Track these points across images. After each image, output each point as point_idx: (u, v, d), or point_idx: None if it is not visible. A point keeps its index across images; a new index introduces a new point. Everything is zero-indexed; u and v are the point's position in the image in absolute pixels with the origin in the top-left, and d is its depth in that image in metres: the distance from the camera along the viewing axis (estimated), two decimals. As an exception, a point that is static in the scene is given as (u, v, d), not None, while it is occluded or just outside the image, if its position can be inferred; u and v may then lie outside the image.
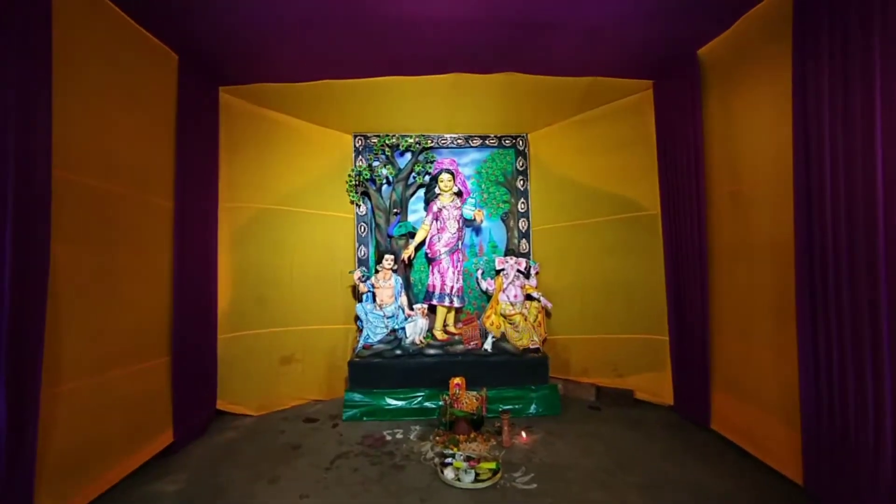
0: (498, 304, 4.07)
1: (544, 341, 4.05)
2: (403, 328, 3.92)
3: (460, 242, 4.16)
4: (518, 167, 4.51)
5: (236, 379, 3.60)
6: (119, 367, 2.53)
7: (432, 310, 4.13)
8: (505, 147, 4.52)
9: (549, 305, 4.07)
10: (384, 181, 4.36)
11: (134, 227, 2.65)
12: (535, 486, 2.47)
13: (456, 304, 4.08)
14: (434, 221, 4.14)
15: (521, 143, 4.51)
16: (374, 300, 4.02)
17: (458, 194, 4.25)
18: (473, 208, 4.12)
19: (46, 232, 2.00)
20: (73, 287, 2.20)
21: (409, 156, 4.42)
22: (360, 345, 3.88)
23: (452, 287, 4.06)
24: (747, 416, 2.79)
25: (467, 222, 4.26)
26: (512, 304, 4.00)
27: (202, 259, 3.32)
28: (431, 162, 4.39)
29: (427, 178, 4.37)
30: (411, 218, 4.44)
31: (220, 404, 3.53)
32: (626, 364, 3.87)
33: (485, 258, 4.49)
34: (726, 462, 2.70)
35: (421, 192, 4.43)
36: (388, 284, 4.00)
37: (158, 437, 2.85)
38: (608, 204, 3.97)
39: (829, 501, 2.17)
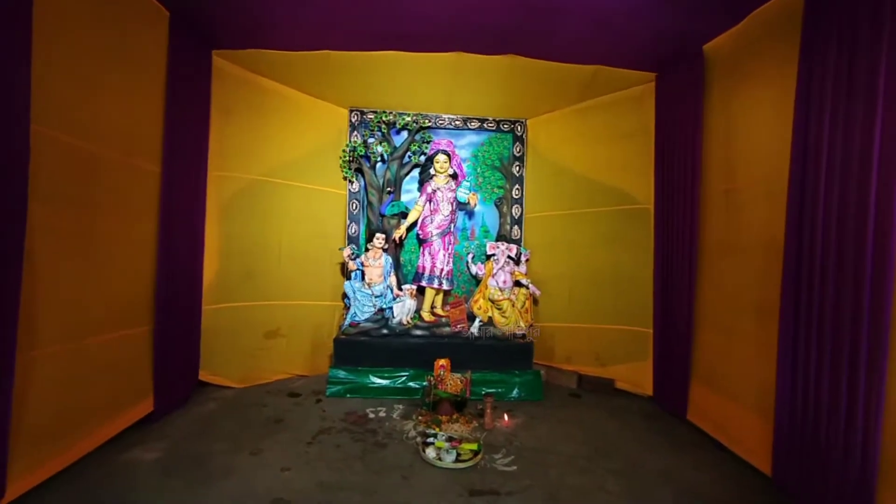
0: (487, 288, 4.09)
1: (530, 327, 4.09)
2: (391, 308, 3.92)
3: (452, 225, 4.15)
4: (515, 153, 4.50)
5: (220, 351, 3.57)
6: (99, 333, 2.48)
7: (421, 291, 4.12)
8: (503, 131, 4.50)
9: (538, 293, 4.10)
10: (378, 159, 4.31)
11: (118, 191, 2.57)
12: (514, 468, 2.51)
13: (445, 286, 4.08)
14: (427, 203, 4.11)
15: (519, 128, 4.49)
16: (363, 279, 4.01)
17: (454, 176, 4.21)
18: (468, 192, 4.10)
19: (23, 189, 1.92)
20: (51, 248, 2.13)
21: (405, 134, 4.36)
22: (346, 322, 3.88)
23: (442, 269, 4.05)
24: (724, 409, 2.86)
25: (461, 205, 4.24)
26: (501, 289, 4.03)
27: (189, 227, 3.26)
28: (428, 142, 4.34)
29: (422, 158, 4.32)
30: (404, 198, 4.40)
31: (203, 375, 3.50)
32: (609, 354, 3.93)
33: (476, 242, 4.49)
34: (701, 452, 2.77)
35: (416, 172, 4.38)
36: (377, 263, 3.98)
37: (138, 406, 2.82)
38: (602, 195, 3.98)
39: (796, 494, 2.25)
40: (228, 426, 2.93)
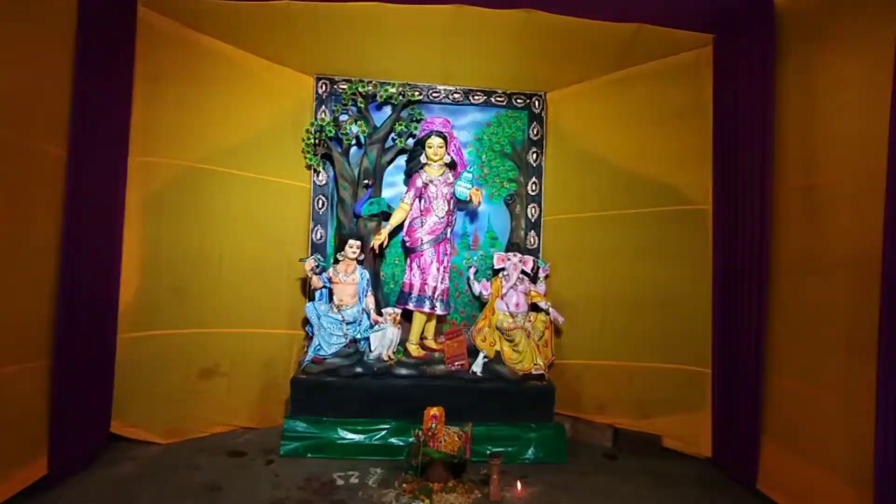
0: (494, 314, 4.07)
1: (551, 366, 4.07)
2: (367, 338, 3.90)
3: (449, 230, 4.15)
4: (531, 135, 4.51)
5: (140, 394, 3.56)
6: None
7: (407, 317, 4.12)
8: (516, 108, 4.51)
9: (561, 320, 4.09)
10: (353, 142, 4.32)
11: (7, 180, 2.56)
12: (530, 554, 2.49)
13: (438, 310, 4.08)
14: (417, 200, 4.12)
15: (536, 104, 4.50)
16: (331, 300, 3.99)
17: (451, 166, 4.23)
18: (469, 186, 4.09)
19: None
20: None
21: (388, 110, 4.38)
22: (308, 357, 3.86)
23: (435, 288, 4.05)
24: (805, 475, 2.85)
25: (460, 204, 4.25)
26: (512, 315, 4.01)
27: (102, 230, 3.26)
28: (418, 120, 4.35)
29: (410, 141, 4.34)
30: (386, 193, 4.39)
31: (117, 426, 3.49)
32: (654, 401, 3.92)
33: (480, 253, 4.49)
34: (775, 534, 2.75)
35: (402, 159, 4.40)
36: (350, 279, 3.97)
37: (27, 468, 2.78)
38: (645, 192, 4.00)
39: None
40: (148, 496, 2.88)
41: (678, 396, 3.82)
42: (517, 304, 4.04)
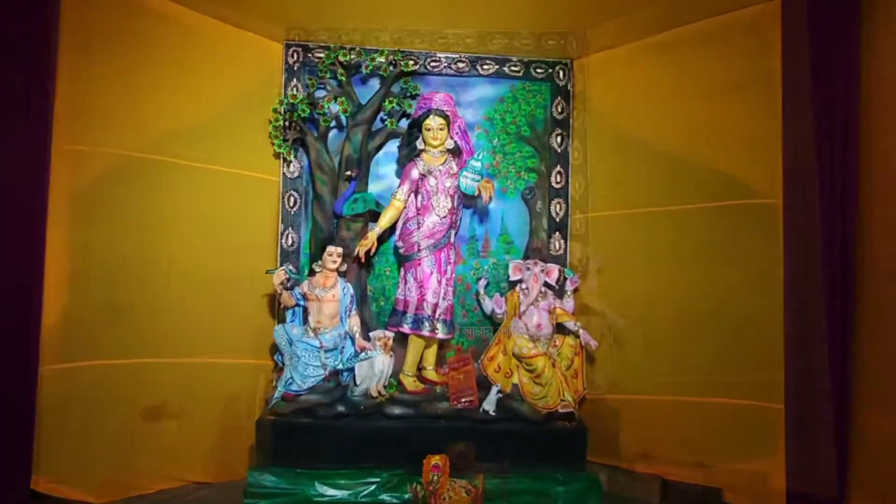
0: (510, 337, 4.02)
1: (582, 402, 4.02)
2: (352, 369, 3.86)
3: (453, 233, 4.12)
4: (555, 113, 4.46)
5: (68, 442, 3.50)
6: None
7: (401, 342, 4.08)
8: (535, 79, 4.46)
9: (594, 344, 4.04)
10: (332, 123, 4.28)
11: None
12: None
13: (440, 333, 4.03)
14: (413, 195, 4.08)
15: (562, 73, 4.44)
16: (306, 321, 3.96)
17: (455, 153, 4.17)
18: (478, 177, 4.04)
19: None
20: None
21: (376, 84, 4.33)
22: (277, 393, 3.80)
23: (436, 305, 3.99)
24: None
25: (466, 200, 4.21)
26: (532, 338, 3.95)
27: (19, 236, 3.25)
28: (413, 97, 4.31)
29: (404, 122, 4.31)
30: (374, 188, 4.35)
31: (39, 483, 3.40)
32: (713, 446, 3.85)
33: (492, 261, 4.44)
34: None
35: (393, 145, 4.37)
36: (329, 296, 3.93)
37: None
38: (698, 183, 3.94)
39: None
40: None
41: (742, 439, 3.73)
42: (539, 325, 3.97)
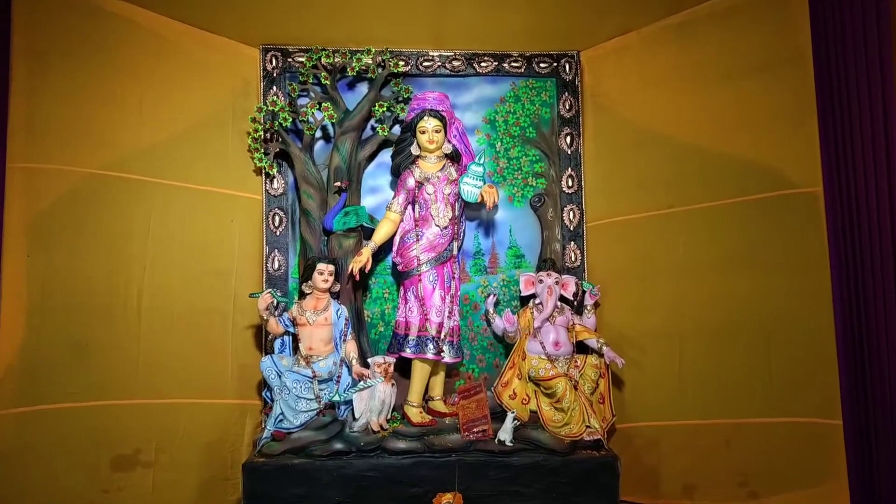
0: (525, 358, 4.03)
1: (611, 430, 4.00)
2: (350, 401, 3.84)
3: (456, 245, 4.14)
4: (563, 111, 4.51)
5: (27, 496, 3.46)
6: None
7: (404, 370, 4.07)
8: (538, 75, 4.51)
9: (620, 362, 3.99)
10: (317, 133, 4.35)
11: None
12: None
13: (447, 357, 4.01)
14: (410, 206, 4.12)
15: (568, 67, 4.51)
16: (297, 350, 3.97)
17: (454, 158, 4.22)
18: (480, 183, 4.07)
19: None
20: None
21: (364, 88, 4.40)
22: (266, 432, 3.78)
23: (440, 326, 3.98)
24: None
25: (470, 210, 4.26)
26: (550, 358, 3.96)
27: None
28: (405, 100, 4.37)
29: (397, 128, 4.35)
30: (368, 202, 4.40)
31: None
32: (764, 472, 3.81)
33: (501, 277, 4.47)
34: None
35: (386, 154, 4.41)
36: (321, 319, 3.94)
37: None
38: (727, 176, 3.97)
39: None
40: None
41: (798, 462, 3.70)
42: (556, 343, 3.99)
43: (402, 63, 4.38)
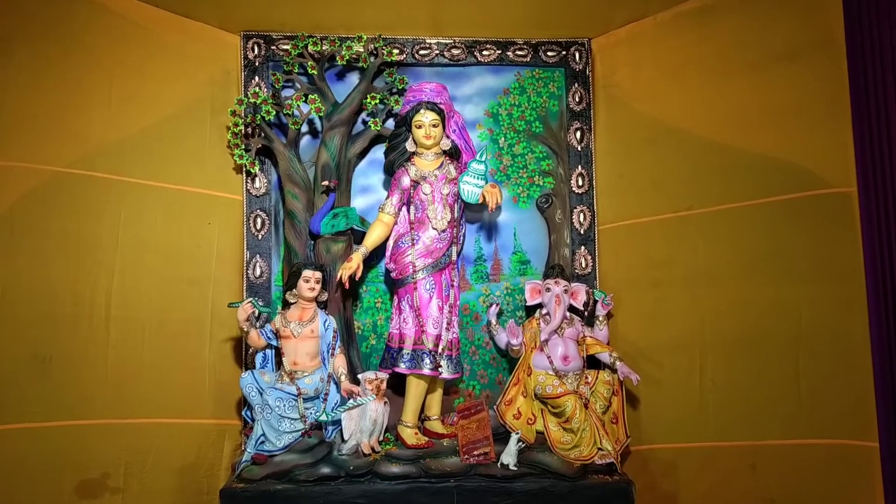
0: (530, 374, 3.99)
1: (625, 453, 3.95)
2: (339, 421, 3.78)
3: (455, 250, 4.10)
4: (572, 104, 4.48)
5: None
6: None
7: (398, 386, 4.02)
8: (545, 64, 4.49)
9: (635, 379, 3.95)
10: (303, 126, 4.30)
11: None
12: None
13: (445, 372, 3.94)
14: (405, 207, 4.08)
15: (578, 56, 4.48)
16: (280, 365, 3.93)
17: (453, 155, 4.18)
18: (481, 182, 4.03)
19: None
20: None
21: (354, 79, 4.37)
22: (246, 455, 3.70)
23: (438, 338, 3.91)
24: None
25: (470, 211, 4.25)
26: (558, 373, 3.91)
27: None
28: (400, 92, 4.34)
29: (391, 122, 4.33)
30: (358, 202, 4.38)
31: None
32: (794, 499, 3.77)
33: (504, 284, 4.44)
34: None
35: (378, 150, 4.39)
36: (307, 331, 3.89)
37: None
38: (752, 175, 3.95)
39: None
40: None
41: (829, 488, 3.65)
42: (565, 358, 3.93)
43: (396, 51, 4.35)
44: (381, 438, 3.83)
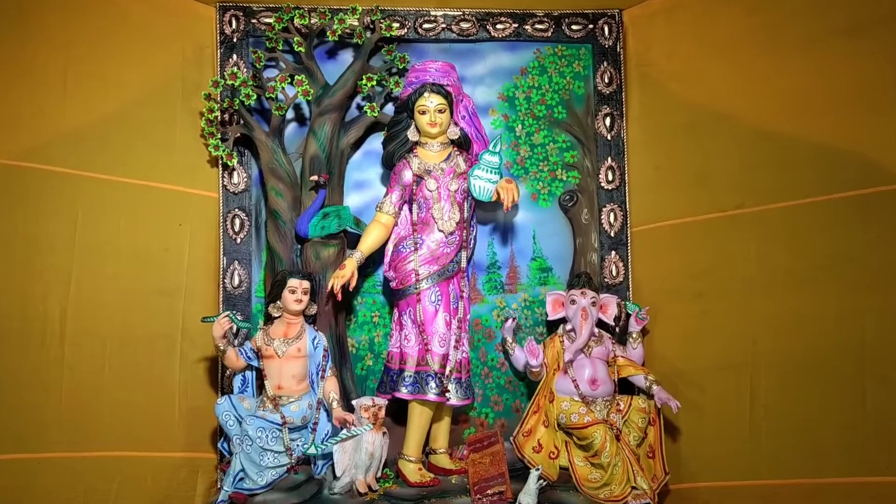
0: (553, 401, 3.96)
1: (664, 492, 3.89)
2: (329, 455, 3.72)
3: (465, 256, 4.07)
4: (601, 86, 4.45)
5: None
6: None
7: (398, 414, 4.01)
8: (569, 40, 4.47)
9: (675, 406, 3.89)
10: (288, 112, 4.29)
11: None
12: None
13: (453, 398, 3.90)
14: (407, 206, 4.06)
15: (607, 30, 4.45)
16: (261, 389, 3.88)
17: (462, 145, 4.14)
18: (495, 177, 3.99)
19: None
20: None
21: (348, 57, 4.35)
22: (223, 494, 3.62)
23: (445, 358, 3.87)
24: None
25: (481, 210, 4.26)
26: (585, 400, 3.87)
27: None
28: (401, 72, 4.31)
29: (390, 107, 4.33)
30: (353, 200, 4.36)
31: None
32: None
33: (522, 296, 4.40)
34: None
35: (376, 139, 4.37)
36: (293, 350, 3.83)
37: None
38: (811, 169, 3.88)
39: None
40: None
41: None
42: (593, 381, 3.89)
43: (396, 25, 4.31)
44: (380, 475, 3.78)
